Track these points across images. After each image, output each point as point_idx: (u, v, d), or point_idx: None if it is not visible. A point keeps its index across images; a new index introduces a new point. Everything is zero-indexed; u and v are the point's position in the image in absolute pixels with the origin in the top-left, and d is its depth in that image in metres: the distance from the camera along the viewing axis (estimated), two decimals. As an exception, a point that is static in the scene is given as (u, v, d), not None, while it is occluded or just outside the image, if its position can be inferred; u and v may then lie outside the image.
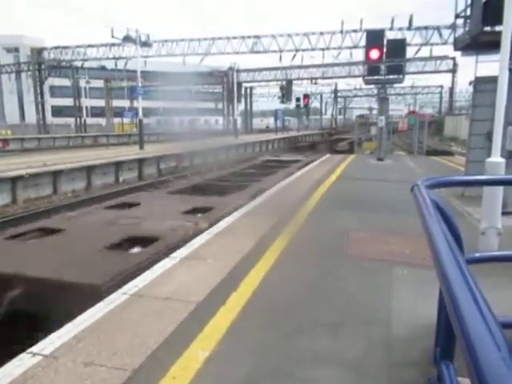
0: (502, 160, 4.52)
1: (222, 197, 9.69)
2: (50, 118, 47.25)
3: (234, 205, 7.94)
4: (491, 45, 5.59)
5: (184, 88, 49.71)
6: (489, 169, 4.49)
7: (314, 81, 49.49)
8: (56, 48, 36.57)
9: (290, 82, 46.46)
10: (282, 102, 47.62)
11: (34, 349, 2.64)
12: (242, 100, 52.92)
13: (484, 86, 7.16)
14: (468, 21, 7.32)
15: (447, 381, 1.73)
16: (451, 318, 0.80)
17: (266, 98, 69.88)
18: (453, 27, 21.60)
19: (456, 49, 7.98)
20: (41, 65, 37.73)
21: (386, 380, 2.37)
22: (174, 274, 3.96)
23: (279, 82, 48.22)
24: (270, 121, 66.70)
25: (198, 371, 2.40)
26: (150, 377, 2.35)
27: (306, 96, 54.07)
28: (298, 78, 47.78)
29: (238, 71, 42.52)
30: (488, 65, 7.20)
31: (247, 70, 47.08)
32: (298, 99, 53.35)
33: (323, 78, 47.24)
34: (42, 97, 38.50)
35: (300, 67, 42.75)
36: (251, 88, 56.06)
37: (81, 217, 7.40)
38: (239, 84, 44.94)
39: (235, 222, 6.10)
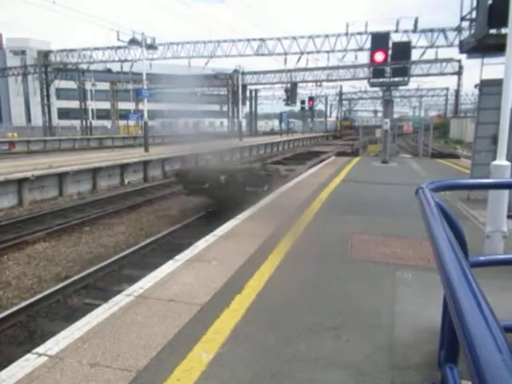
0: (508, 163, 4.50)
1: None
2: (56, 121, 47.66)
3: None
4: (497, 47, 5.58)
5: (189, 90, 49.89)
6: (494, 172, 4.47)
7: (318, 83, 49.52)
8: (62, 51, 36.81)
9: (294, 85, 46.44)
10: (287, 104, 47.62)
11: (40, 349, 2.66)
12: (247, 102, 53.01)
13: (490, 88, 7.13)
14: (473, 23, 7.30)
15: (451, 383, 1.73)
16: (454, 320, 0.80)
17: (271, 101, 69.92)
18: (458, 30, 21.53)
19: (461, 51, 7.95)
20: (47, 67, 37.99)
21: (389, 383, 2.36)
22: (178, 276, 3.97)
23: (284, 85, 48.23)
24: (275, 123, 66.80)
25: (202, 373, 2.41)
26: (154, 378, 2.36)
27: (311, 98, 54.13)
28: (303, 81, 47.74)
29: (243, 74, 42.59)
30: (494, 67, 7.18)
31: (252, 73, 47.15)
32: (302, 102, 53.42)
33: (328, 80, 47.21)
34: (48, 99, 38.75)
35: (305, 70, 42.74)
36: (256, 90, 56.12)
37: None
38: (244, 86, 45.01)
39: (239, 224, 6.11)
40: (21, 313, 4.78)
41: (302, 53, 32.30)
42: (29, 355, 2.60)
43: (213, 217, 8.89)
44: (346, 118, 69.89)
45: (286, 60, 33.32)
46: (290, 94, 45.76)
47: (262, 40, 32.12)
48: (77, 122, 46.82)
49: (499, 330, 0.70)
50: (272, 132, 59.08)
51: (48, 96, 38.56)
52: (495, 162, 4.53)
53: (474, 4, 7.01)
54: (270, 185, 9.85)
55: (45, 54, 37.80)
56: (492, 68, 7.36)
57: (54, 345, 2.71)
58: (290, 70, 42.68)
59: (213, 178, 9.53)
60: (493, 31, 6.40)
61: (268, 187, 9.53)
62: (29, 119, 59.52)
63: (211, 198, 9.94)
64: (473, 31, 7.23)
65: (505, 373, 0.60)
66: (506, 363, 0.62)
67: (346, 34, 29.88)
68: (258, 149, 29.10)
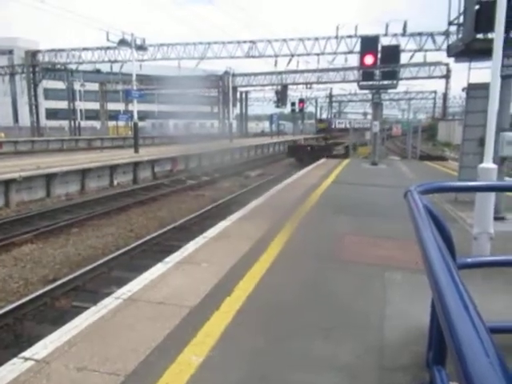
0: (494, 166, 4.57)
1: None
2: (44, 121, 47.04)
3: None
4: (484, 52, 5.65)
5: (179, 92, 49.74)
6: (481, 174, 4.53)
7: (309, 85, 49.65)
8: (51, 51, 36.39)
9: (285, 87, 46.53)
10: (278, 106, 47.69)
11: (26, 353, 2.62)
12: (238, 104, 52.99)
13: (476, 92, 7.23)
14: (461, 28, 7.39)
15: (439, 385, 1.74)
16: (441, 323, 0.81)
17: (262, 103, 70.06)
18: (446, 34, 21.80)
19: (449, 55, 8.03)
20: (35, 67, 37.53)
21: (379, 385, 2.37)
22: (168, 278, 3.95)
23: (274, 87, 48.32)
24: (266, 125, 66.89)
25: (191, 377, 2.40)
26: (143, 382, 2.34)
27: (301, 100, 54.21)
28: (294, 83, 47.87)
29: (234, 75, 42.58)
30: (481, 71, 7.27)
31: (243, 75, 47.16)
32: (293, 104, 53.47)
33: (318, 82, 47.37)
34: (36, 99, 38.27)
35: (295, 72, 42.83)
36: (246, 92, 56.15)
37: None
38: (234, 88, 45.01)
39: (230, 225, 6.10)
40: (7, 316, 4.70)
41: (292, 55, 32.41)
42: (15, 359, 2.56)
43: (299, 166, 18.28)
44: (322, 119, 68.29)
45: (276, 62, 33.36)
46: (281, 96, 45.85)
47: (253, 42, 32.16)
48: (65, 123, 46.31)
49: (486, 333, 0.70)
50: (263, 133, 59.11)
51: (36, 96, 38.08)
52: (482, 165, 4.59)
53: (462, 9, 7.10)
54: (330, 153, 20.94)
55: (33, 54, 37.33)
56: (479, 72, 7.47)
57: (40, 349, 2.67)
58: (280, 72, 42.77)
59: (305, 148, 22.33)
60: (480, 36, 6.48)
61: (328, 154, 19.83)
62: (16, 119, 58.71)
63: (299, 159, 21.27)
64: (460, 36, 7.32)
65: (492, 376, 0.61)
66: (492, 366, 0.62)
67: (336, 37, 30.04)
68: (248, 150, 29.07)
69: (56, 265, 6.64)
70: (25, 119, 48.13)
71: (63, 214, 10.04)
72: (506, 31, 4.81)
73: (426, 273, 1.06)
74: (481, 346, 0.67)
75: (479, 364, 0.64)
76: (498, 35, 4.42)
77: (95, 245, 7.71)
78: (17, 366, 2.48)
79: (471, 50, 6.66)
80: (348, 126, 20.13)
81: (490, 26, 5.01)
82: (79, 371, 2.42)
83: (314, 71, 41.32)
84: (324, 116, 73.98)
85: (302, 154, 21.70)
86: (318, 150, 21.66)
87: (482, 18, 6.14)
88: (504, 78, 5.78)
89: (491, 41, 4.64)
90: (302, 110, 55.95)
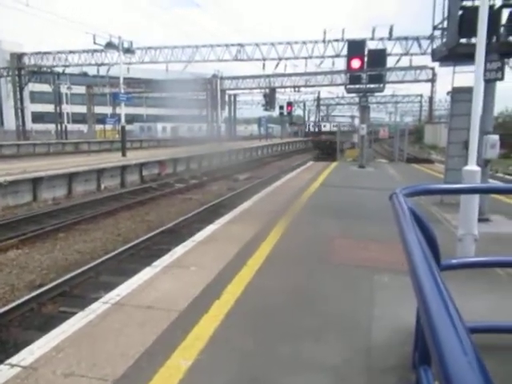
0: (478, 168, 4.65)
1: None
2: (30, 124, 46.40)
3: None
4: (468, 56, 5.76)
5: (168, 95, 49.55)
6: (465, 177, 4.62)
7: (297, 89, 49.96)
8: (37, 53, 35.96)
9: (273, 90, 46.74)
10: (266, 109, 47.86)
11: (13, 360, 2.59)
12: (226, 107, 52.98)
13: (461, 95, 7.37)
14: (445, 33, 7.51)
15: (425, 385, 1.77)
16: (423, 323, 0.83)
17: (250, 106, 70.12)
18: (431, 38, 22.11)
19: (434, 60, 8.16)
20: (21, 70, 37.03)
21: (366, 386, 2.40)
22: (157, 282, 3.94)
23: (263, 90, 48.48)
24: (254, 128, 66.89)
25: (180, 381, 2.40)
26: (131, 387, 2.33)
27: (290, 104, 54.49)
28: (282, 86, 48.10)
29: (222, 79, 42.64)
30: (466, 75, 7.39)
31: (231, 78, 47.21)
32: (281, 107, 53.73)
33: (306, 86, 47.69)
34: (22, 103, 37.73)
35: (283, 75, 43.05)
36: (235, 95, 56.18)
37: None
38: (223, 91, 45.01)
39: (219, 229, 6.10)
40: (-8, 323, 4.63)
41: (280, 58, 32.54)
42: (1, 366, 2.53)
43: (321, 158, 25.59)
44: (294, 122, 67.40)
45: (264, 65, 33.48)
46: (269, 99, 46.03)
47: (241, 45, 32.22)
48: (52, 126, 45.70)
49: (465, 333, 0.73)
50: (251, 137, 59.16)
51: (21, 99, 37.53)
52: (466, 168, 4.68)
53: (446, 14, 7.22)
54: (341, 146, 25.53)
55: (18, 57, 36.84)
56: (464, 76, 7.59)
57: (27, 355, 2.65)
58: (268, 76, 42.95)
59: (324, 143, 33.98)
60: (463, 41, 6.61)
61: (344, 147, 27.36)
62: (1, 123, 57.81)
63: (321, 149, 32.72)
64: (445, 40, 7.44)
65: (470, 374, 0.63)
66: (471, 365, 0.64)
67: (324, 41, 30.28)
68: (237, 153, 29.07)
69: (43, 270, 6.56)
70: (10, 122, 47.38)
71: (50, 219, 9.92)
72: (488, 36, 4.92)
73: (410, 275, 1.08)
74: (459, 346, 0.69)
75: (458, 363, 0.66)
76: (480, 40, 4.51)
77: (82, 249, 7.64)
78: (3, 372, 2.45)
79: (455, 54, 6.78)
80: (323, 129, 21.43)
81: (472, 31, 5.11)
82: (67, 377, 2.41)
83: (302, 74, 41.59)
84: (312, 119, 74.32)
85: (322, 146, 33.19)
86: (334, 143, 30.13)
87: (465, 24, 6.27)
88: (487, 81, 5.91)
89: (474, 45, 4.74)
90: (290, 113, 56.29)
